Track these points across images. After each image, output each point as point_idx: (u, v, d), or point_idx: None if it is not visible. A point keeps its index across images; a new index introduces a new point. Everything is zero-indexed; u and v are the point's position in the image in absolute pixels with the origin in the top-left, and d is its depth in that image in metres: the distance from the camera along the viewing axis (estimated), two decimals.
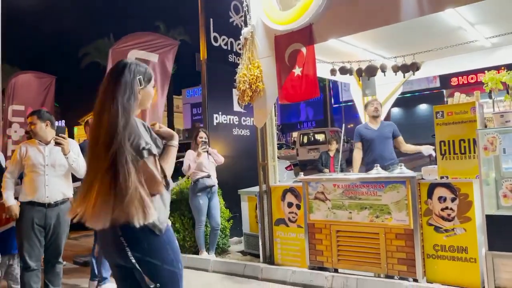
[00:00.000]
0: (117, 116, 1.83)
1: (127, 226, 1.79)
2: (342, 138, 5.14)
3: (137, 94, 1.93)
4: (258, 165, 4.72)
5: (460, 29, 4.34)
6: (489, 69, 5.15)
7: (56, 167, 3.55)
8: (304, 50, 4.18)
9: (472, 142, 3.44)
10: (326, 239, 4.11)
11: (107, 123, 1.83)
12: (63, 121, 29.75)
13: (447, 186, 3.51)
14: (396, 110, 28.02)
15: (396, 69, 4.45)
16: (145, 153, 1.83)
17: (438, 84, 24.53)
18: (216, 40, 6.33)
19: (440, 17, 3.88)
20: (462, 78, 21.96)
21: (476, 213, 3.37)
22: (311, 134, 20.25)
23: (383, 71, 4.55)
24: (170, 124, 27.31)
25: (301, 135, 20.12)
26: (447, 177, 3.56)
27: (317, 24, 4.12)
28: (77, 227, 5.91)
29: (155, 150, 1.89)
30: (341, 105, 26.80)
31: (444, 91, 22.86)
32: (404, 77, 4.63)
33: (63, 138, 3.47)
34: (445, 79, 23.05)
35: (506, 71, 3.55)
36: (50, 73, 6.97)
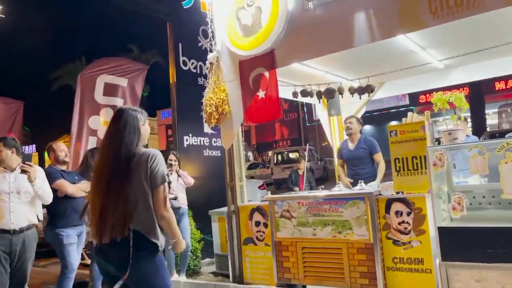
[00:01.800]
0: (121, 148, 2.24)
1: (135, 239, 2.17)
2: (306, 156, 5.28)
3: (139, 129, 2.35)
4: (226, 185, 4.83)
5: (413, 52, 4.64)
6: (451, 87, 5.47)
7: (21, 194, 3.57)
8: (267, 74, 4.38)
9: (423, 159, 3.66)
10: (292, 256, 4.22)
11: (114, 155, 2.25)
12: (34, 145, 29.03)
13: (403, 201, 3.70)
14: (367, 128, 28.77)
15: (352, 91, 4.70)
16: (167, 177, 2.24)
17: (407, 102, 25.41)
18: (185, 64, 6.49)
19: (394, 42, 4.15)
20: (430, 95, 22.81)
21: (429, 225, 3.56)
22: (285, 153, 20.51)
23: (341, 93, 4.79)
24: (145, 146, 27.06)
25: (276, 154, 20.35)
26: (402, 192, 3.76)
27: (279, 49, 4.34)
28: (47, 254, 5.78)
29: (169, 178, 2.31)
30: (314, 123, 27.32)
31: (413, 108, 23.66)
32: (360, 98, 4.88)
33: (29, 165, 3.51)
34: (413, 97, 23.92)
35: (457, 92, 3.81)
36: (21, 96, 6.98)
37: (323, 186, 5.42)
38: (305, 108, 30.46)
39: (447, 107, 3.70)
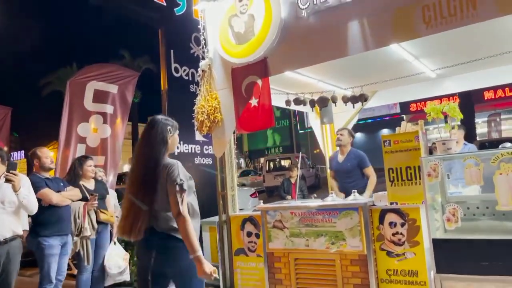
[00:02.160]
0: (150, 157, 2.51)
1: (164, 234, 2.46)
2: (298, 164, 5.21)
3: (167, 140, 2.57)
4: (217, 194, 4.75)
5: (407, 61, 4.63)
6: (441, 97, 5.49)
7: (6, 203, 3.44)
8: (259, 82, 4.33)
9: (418, 169, 3.62)
10: (285, 268, 4.14)
11: (143, 162, 2.53)
12: (23, 151, 28.59)
13: (397, 211, 3.65)
14: (359, 136, 28.90)
15: (346, 100, 4.66)
16: (177, 186, 2.42)
17: (398, 110, 25.54)
18: (177, 70, 6.42)
19: (388, 51, 4.14)
20: (420, 104, 23.02)
21: (424, 237, 3.51)
22: (277, 160, 20.46)
23: (334, 102, 4.76)
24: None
25: (267, 161, 20.27)
26: (396, 203, 3.71)
27: (272, 57, 4.30)
28: (32, 264, 5.63)
29: (186, 187, 2.46)
30: (306, 131, 27.35)
31: (404, 116, 23.78)
32: (353, 107, 4.85)
33: (14, 174, 3.40)
34: (404, 105, 24.04)
35: (448, 102, 3.80)
36: (10, 102, 6.84)
37: (315, 195, 5.37)
38: (296, 116, 30.52)
39: (441, 116, 3.68)
